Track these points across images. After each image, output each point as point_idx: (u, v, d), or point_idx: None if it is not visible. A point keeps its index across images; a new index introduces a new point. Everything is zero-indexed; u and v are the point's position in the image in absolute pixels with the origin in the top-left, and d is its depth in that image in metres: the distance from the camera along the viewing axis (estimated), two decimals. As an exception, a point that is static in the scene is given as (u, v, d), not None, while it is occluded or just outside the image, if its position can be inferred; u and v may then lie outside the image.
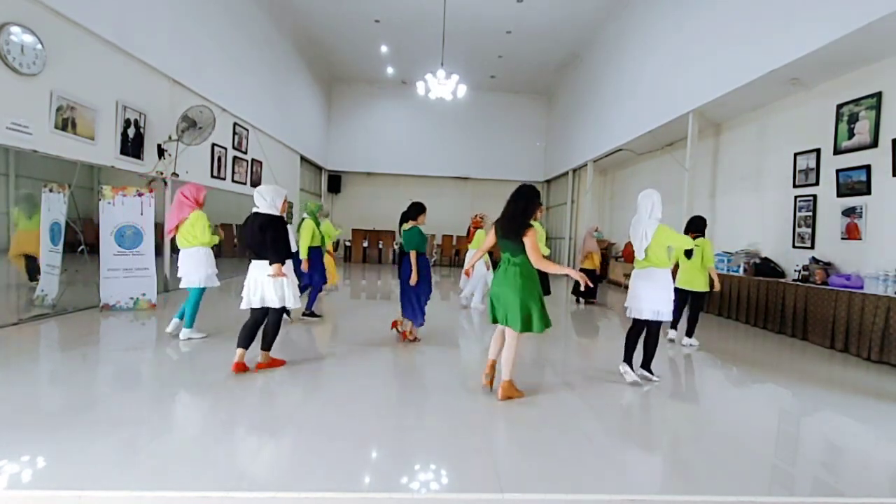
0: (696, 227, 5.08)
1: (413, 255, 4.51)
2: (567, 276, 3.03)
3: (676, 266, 5.21)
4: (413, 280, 4.48)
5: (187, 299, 4.50)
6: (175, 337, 4.52)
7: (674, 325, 5.35)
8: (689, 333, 5.18)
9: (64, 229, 5.16)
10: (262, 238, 3.45)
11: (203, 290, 4.51)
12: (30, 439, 2.33)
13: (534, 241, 3.05)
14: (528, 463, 2.32)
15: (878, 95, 5.23)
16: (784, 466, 2.46)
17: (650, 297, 3.64)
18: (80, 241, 5.70)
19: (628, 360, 3.81)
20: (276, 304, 3.54)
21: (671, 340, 5.29)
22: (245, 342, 3.56)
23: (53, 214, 5.26)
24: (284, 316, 4.70)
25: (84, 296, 5.69)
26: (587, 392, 3.53)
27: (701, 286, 5.04)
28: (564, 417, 3.00)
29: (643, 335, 3.81)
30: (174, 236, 4.52)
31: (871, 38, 4.75)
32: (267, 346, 3.67)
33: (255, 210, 3.55)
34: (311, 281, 5.68)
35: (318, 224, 5.94)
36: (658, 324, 3.75)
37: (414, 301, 4.61)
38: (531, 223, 3.14)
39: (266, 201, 3.51)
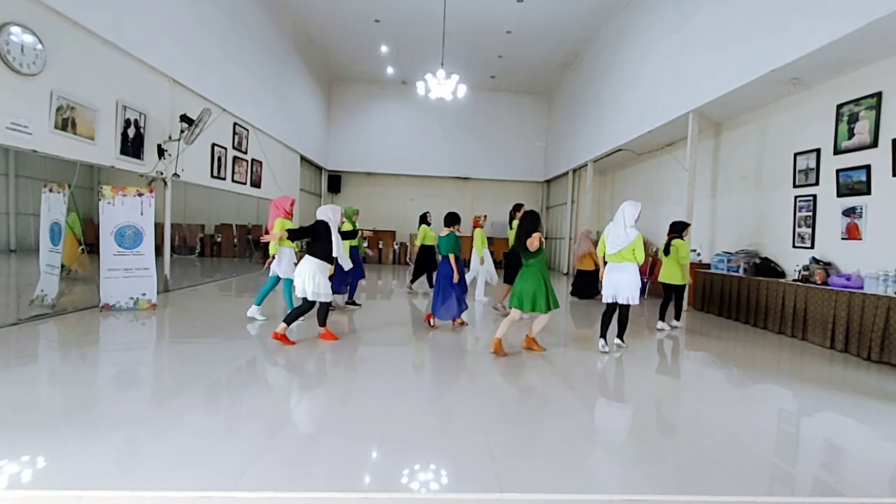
0: (674, 229, 6.00)
1: (452, 257, 5.22)
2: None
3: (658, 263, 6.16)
4: (456, 278, 5.21)
5: (283, 288, 5.40)
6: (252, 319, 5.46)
7: (661, 316, 6.00)
8: (677, 317, 6.16)
9: (64, 229, 5.16)
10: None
11: (291, 280, 5.25)
12: (30, 439, 2.33)
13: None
14: (527, 461, 2.32)
15: (878, 95, 5.23)
16: (784, 466, 2.46)
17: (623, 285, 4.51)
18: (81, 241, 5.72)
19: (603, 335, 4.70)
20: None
21: (660, 330, 5.92)
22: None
23: (53, 214, 5.27)
24: (336, 302, 6.16)
25: (84, 296, 5.69)
26: (586, 390, 3.55)
27: (677, 279, 5.86)
28: (563, 415, 3.01)
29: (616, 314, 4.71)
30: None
31: (871, 38, 4.75)
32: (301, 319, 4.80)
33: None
34: (352, 276, 6.41)
35: (354, 226, 6.54)
36: (627, 306, 4.62)
37: (450, 293, 5.30)
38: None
39: (328, 215, 4.58)
